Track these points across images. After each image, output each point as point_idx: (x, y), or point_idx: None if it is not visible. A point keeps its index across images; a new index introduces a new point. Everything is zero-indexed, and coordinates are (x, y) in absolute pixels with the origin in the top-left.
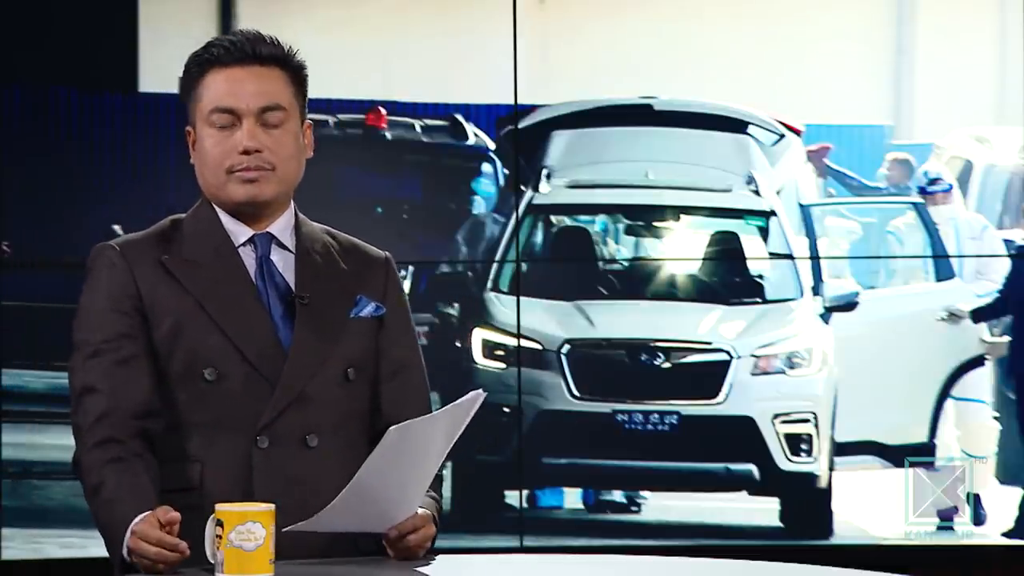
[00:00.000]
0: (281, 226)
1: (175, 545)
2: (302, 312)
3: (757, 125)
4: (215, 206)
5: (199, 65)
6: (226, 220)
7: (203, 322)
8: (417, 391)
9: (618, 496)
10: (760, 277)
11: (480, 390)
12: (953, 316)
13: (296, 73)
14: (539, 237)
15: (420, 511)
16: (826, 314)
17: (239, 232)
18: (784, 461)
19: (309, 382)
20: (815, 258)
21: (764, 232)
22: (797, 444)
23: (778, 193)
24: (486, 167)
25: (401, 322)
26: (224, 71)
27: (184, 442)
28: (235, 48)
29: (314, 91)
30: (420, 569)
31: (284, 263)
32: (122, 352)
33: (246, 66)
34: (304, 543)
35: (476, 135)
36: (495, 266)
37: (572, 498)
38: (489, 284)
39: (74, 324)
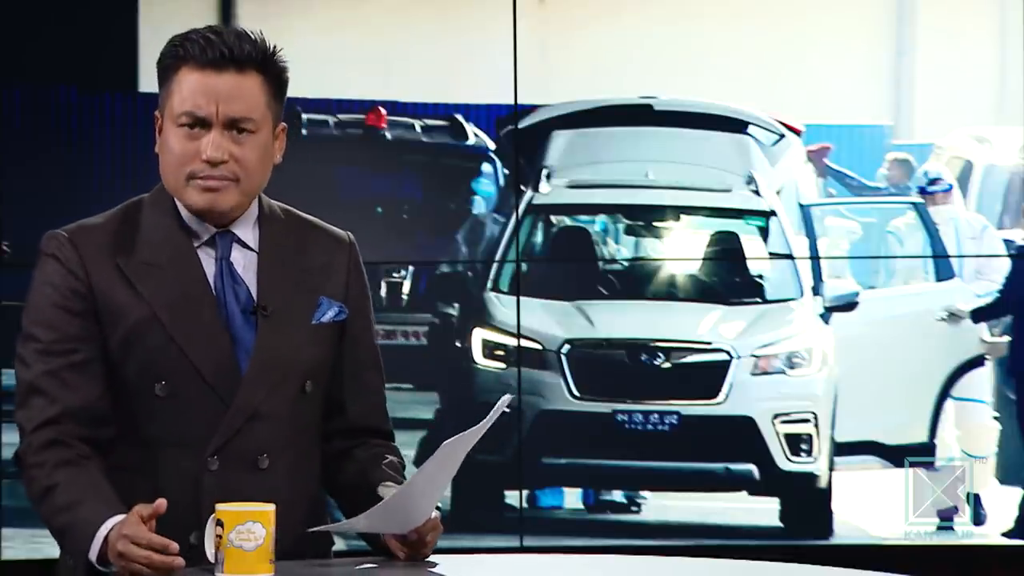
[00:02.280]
0: (244, 223)
1: (165, 546)
2: (263, 325)
3: (757, 125)
4: (176, 199)
5: (173, 56)
6: (186, 216)
7: (158, 333)
8: (377, 388)
9: (618, 496)
10: (760, 277)
11: (508, 395)
12: (953, 316)
13: (275, 77)
14: (539, 237)
15: (433, 514)
16: (826, 314)
17: (200, 230)
18: (784, 461)
19: (264, 402)
20: (815, 258)
21: (764, 232)
22: (797, 444)
23: (778, 193)
24: (486, 167)
25: (363, 315)
26: (198, 72)
27: (132, 455)
28: (211, 47)
29: (314, 91)
30: (420, 569)
31: (245, 262)
32: (73, 356)
33: (221, 71)
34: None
35: (476, 135)
36: (495, 266)
37: (572, 498)
38: (489, 284)
39: (24, 313)
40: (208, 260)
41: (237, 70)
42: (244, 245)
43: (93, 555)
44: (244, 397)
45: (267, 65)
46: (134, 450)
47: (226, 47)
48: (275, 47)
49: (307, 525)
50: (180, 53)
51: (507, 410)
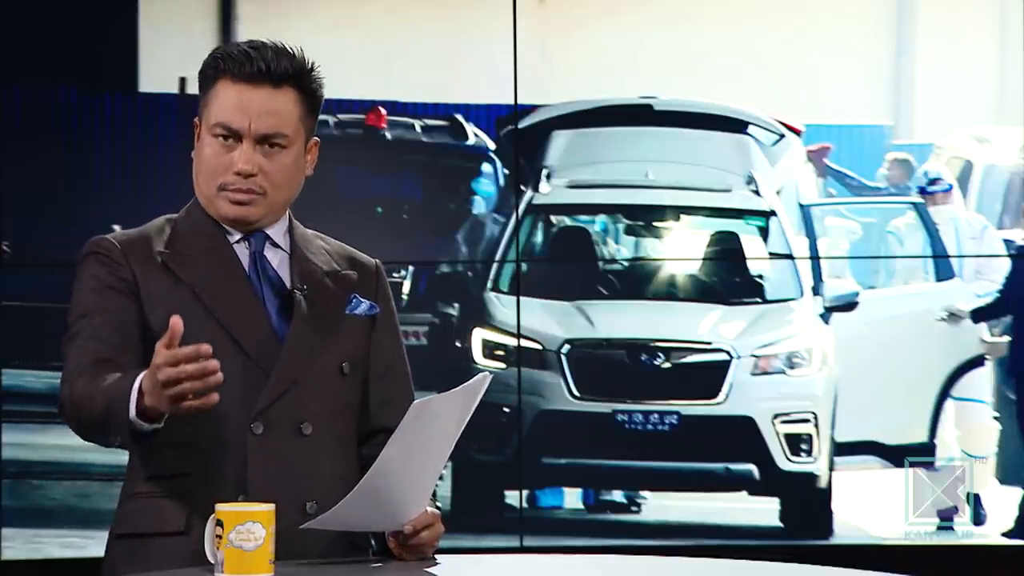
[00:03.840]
0: (276, 229)
1: (196, 351)
2: (300, 304)
3: (757, 125)
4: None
5: (214, 66)
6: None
7: (198, 312)
8: (404, 395)
9: (618, 496)
10: (760, 277)
11: (487, 372)
12: (953, 316)
13: (310, 93)
14: (539, 237)
15: (430, 510)
16: (826, 314)
17: (233, 230)
18: (784, 461)
19: (305, 371)
20: (815, 258)
21: (764, 232)
22: (797, 444)
23: (778, 193)
24: (486, 167)
25: (390, 327)
26: (236, 85)
27: (176, 429)
28: (250, 62)
29: None
30: (420, 569)
31: (279, 261)
32: (117, 319)
33: (258, 85)
34: (305, 543)
35: (476, 135)
36: (495, 266)
37: (572, 498)
38: (489, 284)
39: (70, 310)
40: (243, 254)
41: (273, 86)
42: (276, 245)
43: (132, 412)
44: (285, 363)
45: (303, 81)
46: (174, 426)
47: (264, 62)
48: (313, 64)
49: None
50: (220, 65)
51: (507, 410)
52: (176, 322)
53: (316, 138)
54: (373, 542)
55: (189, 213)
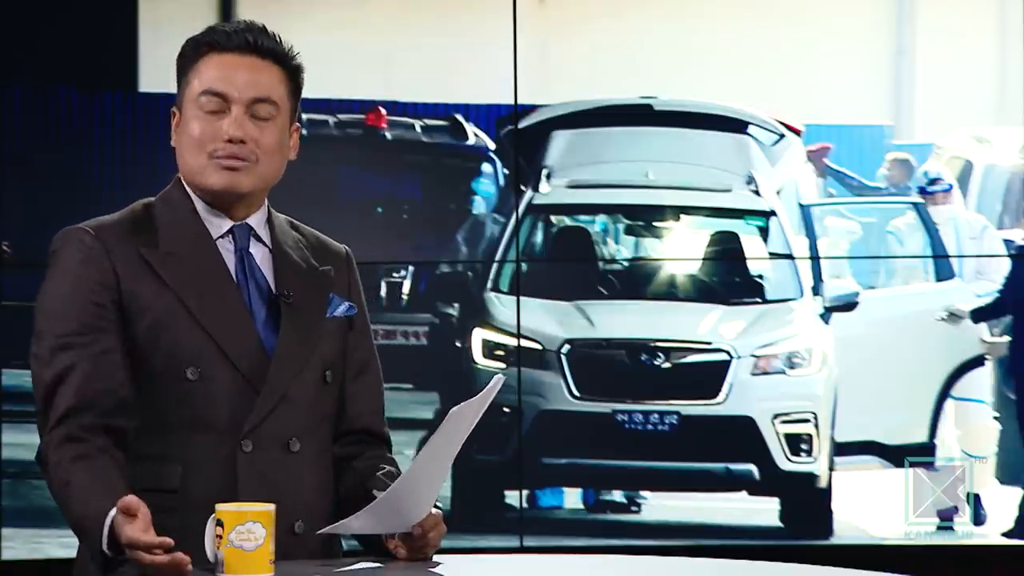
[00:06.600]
0: (258, 219)
1: (162, 544)
2: (286, 312)
3: (757, 125)
4: (191, 194)
5: (196, 48)
6: (202, 209)
7: (184, 319)
8: (376, 391)
9: (618, 496)
10: (760, 277)
11: (500, 375)
12: (953, 316)
13: (293, 73)
14: (539, 237)
15: (433, 511)
16: (826, 314)
17: (217, 223)
18: (784, 461)
19: (292, 385)
20: (815, 258)
21: (764, 232)
22: (797, 444)
23: (778, 193)
24: (486, 167)
25: (363, 323)
26: (220, 56)
27: (162, 442)
28: (235, 35)
29: (314, 91)
30: (421, 569)
31: (261, 257)
32: (96, 346)
33: (243, 55)
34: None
35: (476, 135)
36: (495, 266)
37: (572, 498)
38: (489, 284)
39: (38, 311)
40: (227, 252)
41: (259, 57)
42: (259, 239)
43: (105, 547)
44: (275, 379)
45: (285, 60)
46: (160, 438)
47: (250, 35)
48: (292, 48)
49: (334, 516)
50: (204, 41)
51: (507, 410)
52: (132, 501)
53: (298, 124)
54: (344, 544)
55: (168, 200)
